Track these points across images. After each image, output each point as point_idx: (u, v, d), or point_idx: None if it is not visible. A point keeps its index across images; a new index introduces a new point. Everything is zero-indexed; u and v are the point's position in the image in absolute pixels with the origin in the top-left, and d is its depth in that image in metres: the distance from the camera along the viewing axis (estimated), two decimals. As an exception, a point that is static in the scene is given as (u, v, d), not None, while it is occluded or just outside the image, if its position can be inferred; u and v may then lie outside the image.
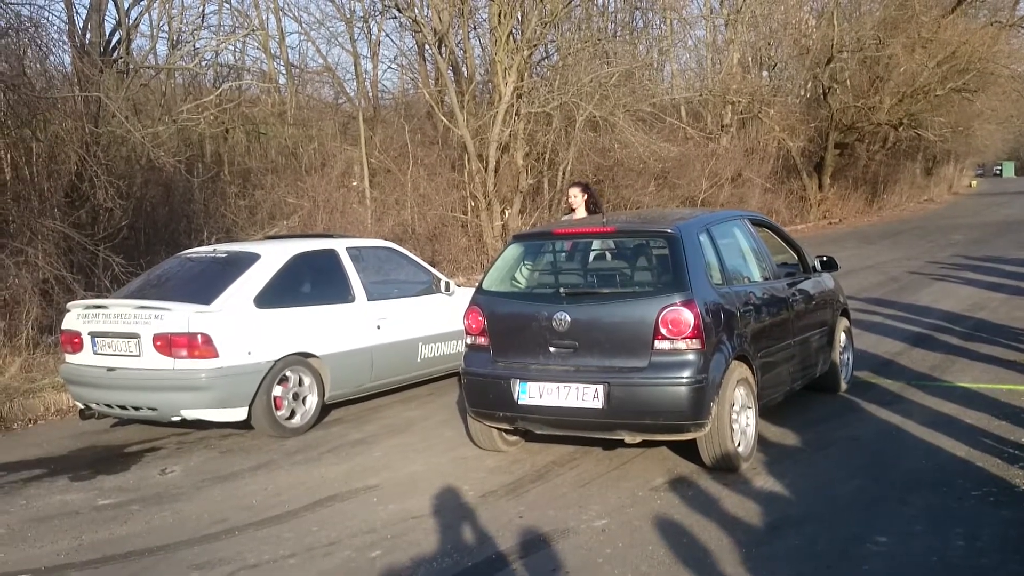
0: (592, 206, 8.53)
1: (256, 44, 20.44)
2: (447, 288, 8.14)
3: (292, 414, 6.77)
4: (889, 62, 29.78)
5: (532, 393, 5.33)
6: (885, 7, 29.52)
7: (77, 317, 6.87)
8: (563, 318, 5.27)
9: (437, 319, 7.96)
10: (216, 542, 4.69)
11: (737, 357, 5.36)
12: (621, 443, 5.66)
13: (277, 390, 6.62)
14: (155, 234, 13.63)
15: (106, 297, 8.02)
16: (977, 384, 7.21)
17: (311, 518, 4.99)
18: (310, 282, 7.33)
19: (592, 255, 6.29)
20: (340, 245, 7.63)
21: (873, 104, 30.47)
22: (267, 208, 15.26)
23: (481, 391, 5.63)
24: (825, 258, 7.07)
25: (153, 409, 6.49)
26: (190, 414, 6.41)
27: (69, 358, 6.92)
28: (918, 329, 9.95)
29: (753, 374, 5.55)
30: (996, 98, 34.28)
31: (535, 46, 18.20)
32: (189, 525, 4.96)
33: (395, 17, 20.65)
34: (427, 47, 20.27)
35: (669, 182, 20.96)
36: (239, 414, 6.50)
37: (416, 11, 17.66)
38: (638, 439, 5.44)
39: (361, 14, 20.44)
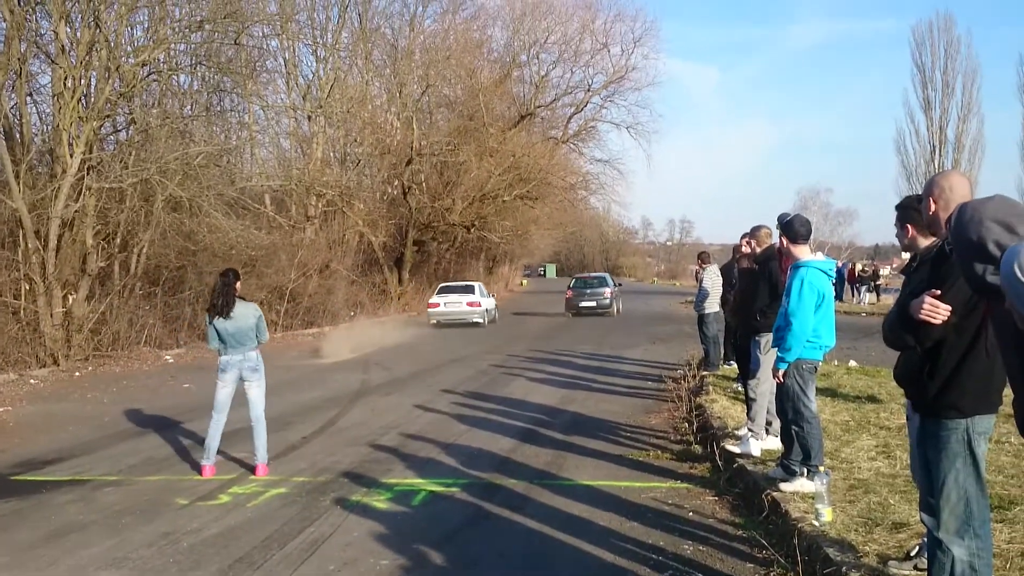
0: None
1: None
2: None
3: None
4: (461, 167, 31.83)
5: (585, 303, 32.58)
6: (459, 116, 31.62)
7: (436, 296, 28.36)
8: (590, 291, 32.95)
9: None
10: None
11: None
12: None
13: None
14: None
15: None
16: (596, 481, 7.27)
17: None
18: None
19: (587, 281, 34.69)
20: None
21: (448, 206, 32.25)
22: None
23: (572, 305, 32.63)
24: (616, 279, 37.03)
25: (463, 318, 28.36)
26: (478, 320, 28.27)
27: (435, 310, 27.85)
28: (522, 424, 10.08)
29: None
30: (551, 206, 38.25)
31: (107, 117, 16.46)
32: None
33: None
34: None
35: (257, 270, 19.97)
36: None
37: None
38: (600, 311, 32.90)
39: None
